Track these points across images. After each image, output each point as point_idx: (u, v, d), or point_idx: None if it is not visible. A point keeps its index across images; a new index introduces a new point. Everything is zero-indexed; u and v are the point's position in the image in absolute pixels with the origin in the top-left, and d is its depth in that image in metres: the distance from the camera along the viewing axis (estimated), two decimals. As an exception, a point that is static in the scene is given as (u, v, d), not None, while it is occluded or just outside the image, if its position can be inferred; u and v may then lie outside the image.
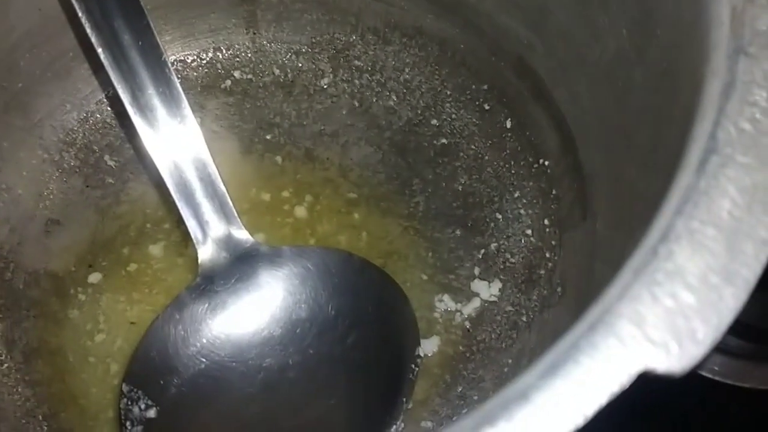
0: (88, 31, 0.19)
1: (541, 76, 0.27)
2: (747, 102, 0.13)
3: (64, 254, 0.29)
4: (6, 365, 0.27)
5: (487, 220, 0.29)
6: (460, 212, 0.30)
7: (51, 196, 0.29)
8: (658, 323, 0.11)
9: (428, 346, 0.26)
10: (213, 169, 0.21)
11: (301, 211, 0.30)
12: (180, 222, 0.29)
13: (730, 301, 0.11)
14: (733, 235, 0.12)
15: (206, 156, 0.21)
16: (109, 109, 0.31)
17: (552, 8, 0.24)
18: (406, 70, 0.31)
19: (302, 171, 0.31)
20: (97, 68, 0.30)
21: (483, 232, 0.29)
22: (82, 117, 0.30)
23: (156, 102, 0.20)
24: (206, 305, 0.22)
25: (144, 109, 0.20)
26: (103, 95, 0.31)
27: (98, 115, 0.31)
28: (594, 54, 0.23)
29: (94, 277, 0.28)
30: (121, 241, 0.29)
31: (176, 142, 0.21)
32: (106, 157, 0.30)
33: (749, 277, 0.11)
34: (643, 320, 0.11)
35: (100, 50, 0.20)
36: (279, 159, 0.31)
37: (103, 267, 0.29)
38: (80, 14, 0.19)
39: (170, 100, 0.20)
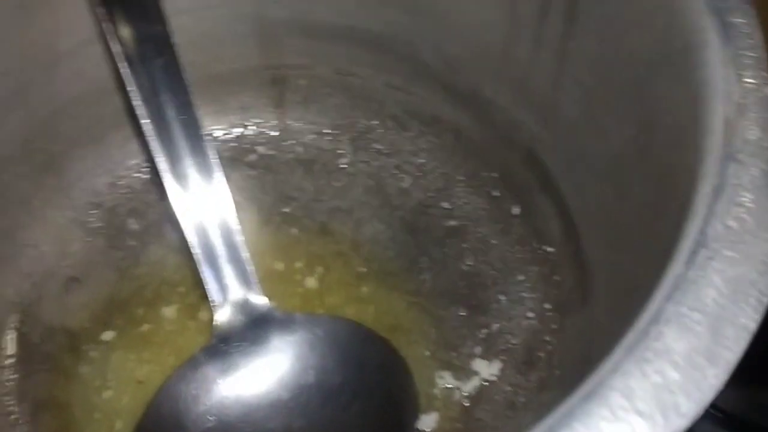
0: (136, 103, 0.21)
1: (548, 167, 0.28)
2: (734, 203, 0.14)
3: (81, 311, 0.30)
4: (14, 416, 0.28)
5: (491, 301, 0.30)
6: (465, 292, 0.31)
7: (74, 255, 0.31)
8: (646, 397, 0.12)
9: (427, 422, 0.27)
10: (239, 237, 0.22)
11: (312, 282, 0.31)
12: (195, 286, 0.30)
13: (712, 380, 0.12)
14: (716, 320, 0.13)
15: (234, 224, 0.22)
16: (136, 175, 0.33)
17: (562, 106, 0.26)
18: (422, 154, 0.33)
19: (316, 244, 0.32)
20: (130, 136, 0.32)
21: (486, 313, 0.30)
22: (111, 181, 0.32)
23: (191, 171, 0.22)
24: (219, 366, 0.22)
25: (180, 177, 0.22)
26: (133, 162, 0.33)
27: (126, 181, 0.32)
28: (599, 151, 0.24)
29: (108, 335, 0.29)
30: (136, 301, 0.30)
31: (207, 209, 0.22)
32: (130, 221, 0.32)
33: (730, 359, 0.12)
34: (632, 393, 0.12)
35: (145, 121, 0.21)
36: (295, 231, 0.32)
37: (117, 325, 0.30)
38: (131, 88, 0.21)
39: (204, 170, 0.22)
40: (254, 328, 0.23)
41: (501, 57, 0.28)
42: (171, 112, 0.22)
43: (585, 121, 0.25)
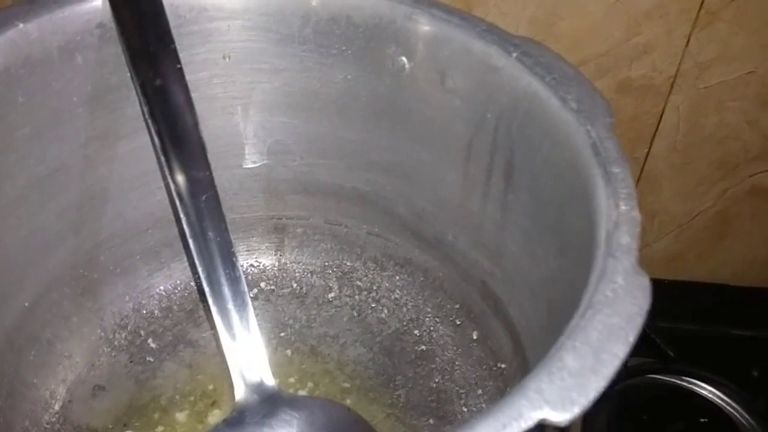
0: (186, 230, 0.28)
1: (499, 296, 0.35)
2: (611, 281, 0.21)
3: (104, 414, 0.35)
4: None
5: (456, 412, 0.36)
6: (433, 405, 0.36)
7: (101, 367, 0.36)
8: (552, 392, 0.18)
9: None
10: (257, 332, 0.28)
11: (303, 394, 0.36)
12: (203, 396, 0.36)
13: (595, 384, 0.18)
14: (598, 349, 0.19)
15: (254, 322, 0.28)
16: (156, 302, 0.39)
17: (507, 245, 0.33)
18: (397, 290, 0.40)
19: (307, 363, 0.38)
20: (154, 270, 0.39)
21: (452, 422, 0.35)
22: (135, 307, 0.38)
23: (223, 279, 0.28)
24: (237, 433, 0.28)
25: (214, 284, 0.28)
26: (155, 292, 0.39)
27: (148, 307, 0.38)
28: (535, 276, 0.31)
29: (127, 434, 0.34)
30: (153, 407, 0.35)
31: (233, 309, 0.28)
32: (150, 340, 0.37)
33: (607, 373, 0.19)
34: (542, 391, 0.18)
35: (191, 241, 0.28)
36: (289, 352, 0.38)
37: (136, 427, 0.34)
38: (183, 219, 0.28)
39: (232, 279, 0.28)
40: (267, 404, 0.28)
41: (458, 209, 0.36)
42: (210, 235, 0.28)
43: (524, 255, 0.32)
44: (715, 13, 0.45)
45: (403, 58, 0.33)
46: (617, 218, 0.23)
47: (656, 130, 0.52)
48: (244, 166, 0.38)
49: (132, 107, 0.33)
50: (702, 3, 0.45)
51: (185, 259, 0.39)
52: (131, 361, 0.36)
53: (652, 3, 0.45)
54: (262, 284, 0.40)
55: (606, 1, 0.45)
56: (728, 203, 0.56)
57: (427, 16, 0.31)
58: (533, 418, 0.18)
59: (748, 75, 0.49)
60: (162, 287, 0.39)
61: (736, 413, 0.42)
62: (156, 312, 0.38)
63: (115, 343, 0.37)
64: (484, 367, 0.36)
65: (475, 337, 0.37)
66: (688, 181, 0.55)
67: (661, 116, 0.52)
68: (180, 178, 0.29)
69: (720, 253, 0.59)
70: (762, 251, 0.58)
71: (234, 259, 0.28)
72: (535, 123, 0.29)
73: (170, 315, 0.39)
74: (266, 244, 0.41)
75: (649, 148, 0.53)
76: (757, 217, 0.56)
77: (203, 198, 0.29)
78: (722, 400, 0.42)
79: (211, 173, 0.29)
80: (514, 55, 0.29)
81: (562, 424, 0.18)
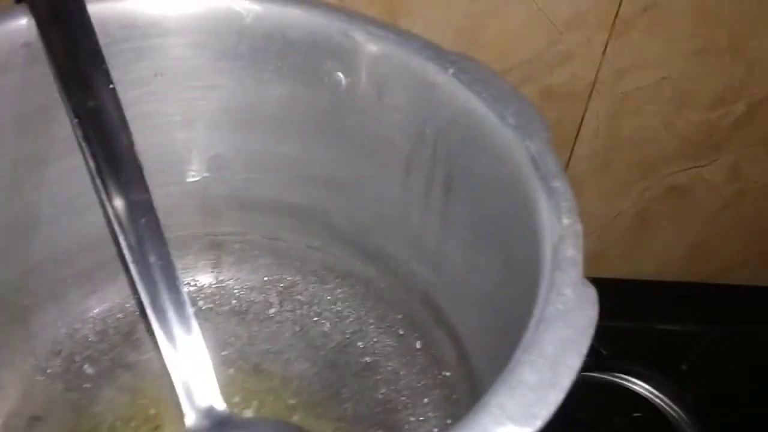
0: (126, 255, 0.27)
1: (441, 306, 0.36)
2: (560, 294, 0.22)
3: (41, 447, 0.33)
4: None
5: (403, 422, 0.36)
6: (381, 416, 0.36)
7: (35, 396, 0.35)
8: (514, 408, 0.19)
9: None
10: (206, 357, 0.28)
11: (248, 414, 0.36)
12: (146, 420, 0.35)
13: (553, 397, 0.19)
14: (554, 363, 0.20)
15: (201, 346, 0.28)
16: (90, 326, 0.38)
17: (448, 256, 0.34)
18: (338, 303, 0.40)
19: (250, 381, 0.37)
20: (87, 294, 0.38)
21: (399, 432, 0.36)
22: (69, 332, 0.37)
23: (168, 305, 0.28)
24: (190, 461, 0.27)
25: (158, 311, 0.27)
26: (89, 316, 0.38)
27: (83, 332, 0.37)
28: (478, 285, 0.32)
29: (68, 466, 0.33)
30: (93, 436, 0.34)
31: (180, 335, 0.28)
32: (86, 366, 0.36)
33: (565, 385, 0.19)
34: (504, 406, 0.19)
35: (132, 266, 0.27)
36: (231, 371, 0.37)
37: (76, 458, 0.33)
38: (123, 244, 0.27)
39: (178, 304, 0.28)
40: (217, 429, 0.27)
41: (399, 221, 0.36)
42: (152, 259, 0.28)
43: (465, 265, 0.33)
44: (629, 22, 0.48)
45: (340, 74, 0.33)
46: (561, 231, 0.24)
47: (577, 134, 0.54)
48: (187, 180, 0.37)
49: (61, 128, 0.31)
50: (617, 12, 0.47)
51: (119, 281, 0.38)
52: (67, 389, 0.35)
53: (572, 12, 0.47)
54: (200, 303, 0.39)
55: (528, 11, 0.46)
56: (647, 203, 0.59)
57: (363, 32, 0.32)
58: (496, 435, 0.18)
59: (663, 80, 0.51)
60: (96, 310, 0.38)
61: (667, 407, 0.44)
62: (90, 336, 0.37)
63: (49, 371, 0.35)
64: (429, 375, 0.37)
65: (418, 347, 0.38)
66: (609, 183, 0.57)
67: (582, 121, 0.54)
68: (118, 202, 0.28)
69: (641, 250, 0.62)
70: (680, 247, 0.61)
71: (178, 282, 0.28)
72: (473, 138, 0.30)
73: (106, 338, 0.37)
74: (203, 262, 0.40)
75: (571, 152, 0.55)
76: (675, 215, 0.59)
77: (142, 221, 0.28)
78: (653, 394, 0.45)
79: (149, 195, 0.29)
80: (451, 71, 0.30)
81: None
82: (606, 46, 0.49)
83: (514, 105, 0.28)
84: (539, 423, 0.18)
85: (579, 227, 0.24)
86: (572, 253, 0.23)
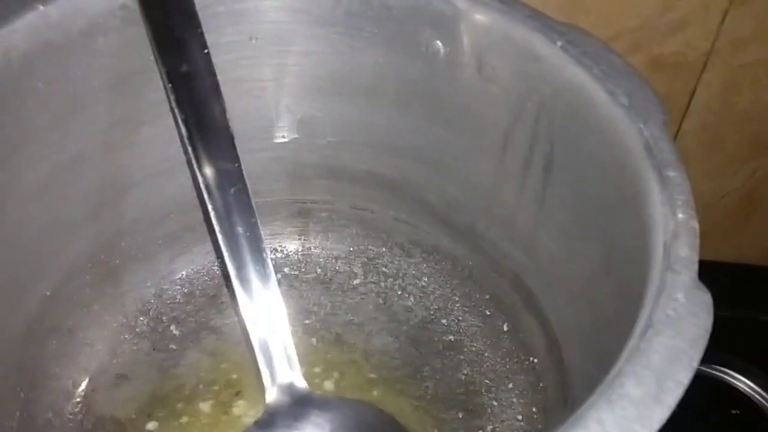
0: (214, 224, 0.27)
1: (532, 290, 0.34)
2: (671, 298, 0.20)
3: (127, 404, 0.34)
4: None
5: (485, 406, 0.35)
6: (462, 398, 0.35)
7: (123, 355, 0.35)
8: (613, 424, 0.17)
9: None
10: (288, 333, 0.27)
11: (329, 385, 0.36)
12: (227, 385, 0.35)
13: (658, 415, 0.17)
14: (661, 375, 0.18)
15: (284, 321, 0.27)
16: (178, 288, 0.38)
17: (542, 239, 0.32)
18: (424, 278, 0.39)
19: (332, 352, 0.37)
20: (175, 255, 0.38)
21: (481, 416, 0.35)
22: (157, 293, 0.37)
23: (253, 277, 0.27)
24: (269, 437, 0.27)
25: (244, 281, 0.27)
26: (176, 277, 0.38)
27: (170, 293, 0.38)
28: (573, 274, 0.30)
29: (152, 425, 0.33)
30: (176, 397, 0.34)
31: (264, 308, 0.27)
32: (172, 327, 0.37)
33: (671, 402, 0.18)
34: (603, 421, 0.17)
35: (220, 236, 0.27)
36: (314, 341, 0.37)
37: (159, 417, 0.34)
38: (211, 213, 0.27)
39: (263, 276, 0.27)
40: (297, 406, 0.27)
41: (491, 199, 0.34)
42: (239, 229, 0.27)
43: (561, 250, 0.31)
44: (753, -12, 0.44)
45: (438, 43, 0.31)
46: (675, 228, 0.22)
47: (687, 108, 0.51)
48: (276, 141, 0.36)
49: (155, 92, 0.31)
50: (741, -22, 0.43)
51: (207, 243, 0.38)
52: (154, 349, 0.36)
53: (689, -24, 0.43)
54: (286, 269, 0.39)
55: (641, -26, 0.43)
56: (758, 183, 0.55)
57: (466, -1, 0.30)
58: (596, 453, 0.17)
59: (786, 53, 0.47)
60: (184, 272, 0.38)
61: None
62: (178, 297, 0.38)
63: (137, 330, 0.36)
64: (515, 360, 0.35)
65: (505, 329, 0.36)
66: (717, 161, 0.54)
67: (693, 94, 0.50)
68: (208, 170, 0.28)
69: (747, 233, 0.58)
70: (791, 233, 0.57)
71: (264, 255, 0.27)
72: (579, 117, 0.28)
73: (192, 300, 0.38)
74: (290, 229, 0.40)
75: (679, 127, 0.52)
76: (787, 199, 0.55)
77: (232, 191, 0.28)
78: (754, 390, 0.42)
79: (240, 165, 0.28)
80: (559, 43, 0.28)
81: (626, 459, 0.17)
82: (725, 14, 0.45)
83: (627, 83, 0.26)
84: (640, 443, 0.17)
85: (695, 224, 0.22)
86: (687, 252, 0.21)
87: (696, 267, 0.21)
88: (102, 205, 0.34)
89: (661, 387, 0.18)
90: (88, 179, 0.32)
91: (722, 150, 0.53)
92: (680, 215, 0.22)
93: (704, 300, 0.20)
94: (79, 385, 0.34)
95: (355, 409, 0.29)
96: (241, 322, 0.28)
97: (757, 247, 0.58)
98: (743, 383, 0.43)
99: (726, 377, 0.43)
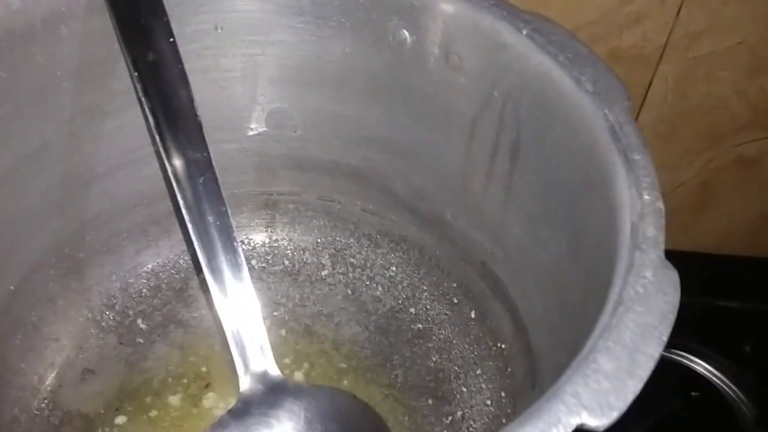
0: (184, 214, 0.27)
1: (499, 277, 0.35)
2: (640, 276, 0.21)
3: (95, 398, 0.33)
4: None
5: (454, 392, 0.35)
6: (432, 385, 0.36)
7: (89, 349, 0.35)
8: (589, 397, 0.18)
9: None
10: (260, 321, 0.27)
11: (299, 376, 0.36)
12: (196, 378, 0.35)
13: (631, 387, 0.18)
14: (632, 350, 0.19)
15: (257, 309, 0.27)
16: (144, 281, 0.38)
17: (509, 226, 0.33)
18: (392, 268, 0.39)
19: (301, 343, 0.37)
20: (141, 248, 0.38)
21: (451, 402, 0.35)
22: (123, 286, 0.37)
23: (224, 266, 0.27)
24: (243, 425, 0.27)
25: (215, 271, 0.27)
26: (142, 270, 0.38)
27: (136, 287, 0.37)
28: (540, 260, 0.31)
29: (120, 420, 0.33)
30: (145, 390, 0.34)
31: (236, 298, 0.27)
32: (139, 321, 0.36)
33: (642, 375, 0.18)
34: (579, 395, 0.18)
35: (190, 226, 0.27)
36: (283, 332, 0.37)
37: (128, 411, 0.33)
38: (181, 203, 0.27)
39: (234, 266, 0.27)
40: (271, 394, 0.27)
41: (459, 188, 0.35)
42: (210, 218, 0.27)
43: (528, 237, 0.32)
44: (706, -18, 0.45)
45: (405, 32, 0.32)
46: (642, 209, 0.22)
47: (644, 100, 0.52)
48: (245, 135, 0.36)
49: (119, 81, 0.31)
50: (694, -28, 0.44)
51: (174, 236, 0.38)
52: (120, 343, 0.35)
53: (645, -29, 0.44)
54: (253, 262, 0.39)
55: (600, -32, 0.44)
56: (712, 173, 0.56)
57: (432, -12, 0.30)
58: (572, 424, 0.17)
59: (738, 45, 0.48)
60: (150, 265, 0.38)
61: (726, 387, 0.42)
62: (144, 291, 0.37)
63: (103, 324, 0.36)
64: (483, 346, 0.36)
65: (473, 316, 0.37)
66: (673, 152, 0.55)
67: (650, 86, 0.51)
68: (176, 160, 0.27)
69: (703, 222, 0.59)
70: (745, 220, 0.59)
71: (235, 243, 0.27)
72: (545, 104, 0.28)
73: (159, 294, 0.37)
74: (257, 221, 0.39)
75: (636, 118, 0.53)
76: (741, 187, 0.57)
77: (201, 180, 0.28)
78: (712, 374, 0.43)
79: (208, 153, 0.28)
80: (525, 32, 0.28)
81: (600, 429, 0.17)
82: (680, 8, 0.46)
83: (592, 70, 0.27)
84: (615, 414, 0.17)
85: (661, 205, 0.23)
86: (653, 232, 0.22)
87: (662, 246, 0.22)
88: (66, 197, 0.33)
89: (634, 361, 0.19)
90: (51, 171, 0.32)
91: (677, 141, 0.54)
92: (646, 196, 0.23)
93: (671, 277, 0.21)
94: (46, 380, 0.33)
95: (329, 396, 0.29)
96: (213, 311, 0.27)
97: (712, 235, 0.60)
98: (702, 366, 0.44)
99: (685, 361, 0.44)
